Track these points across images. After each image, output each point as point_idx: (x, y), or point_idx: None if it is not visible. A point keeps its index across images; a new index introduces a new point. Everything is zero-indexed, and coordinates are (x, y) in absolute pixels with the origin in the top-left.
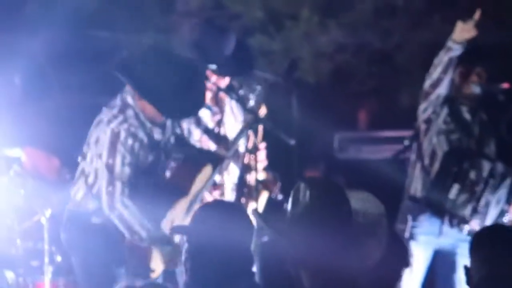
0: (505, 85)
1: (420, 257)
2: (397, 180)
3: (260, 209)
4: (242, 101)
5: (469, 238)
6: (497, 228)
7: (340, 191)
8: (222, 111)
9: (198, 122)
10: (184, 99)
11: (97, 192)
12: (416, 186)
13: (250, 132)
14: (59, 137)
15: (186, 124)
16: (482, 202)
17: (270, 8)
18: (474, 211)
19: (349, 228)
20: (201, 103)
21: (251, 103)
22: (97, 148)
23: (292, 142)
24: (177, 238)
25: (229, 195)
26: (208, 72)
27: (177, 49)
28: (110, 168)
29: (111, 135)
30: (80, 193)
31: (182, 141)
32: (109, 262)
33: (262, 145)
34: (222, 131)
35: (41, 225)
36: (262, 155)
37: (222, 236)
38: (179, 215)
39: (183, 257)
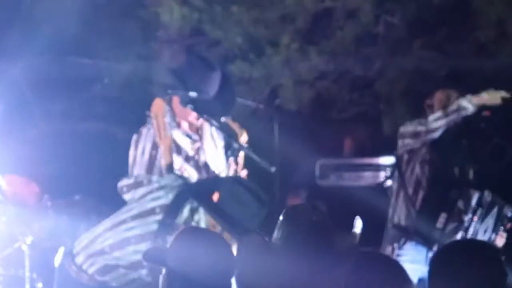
0: (486, 113)
1: None
2: (379, 207)
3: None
4: (223, 128)
5: None
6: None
7: (323, 219)
8: (202, 139)
9: (179, 150)
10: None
11: None
12: (399, 215)
13: (231, 160)
14: (41, 164)
15: None
16: (471, 231)
17: (250, 35)
18: None
19: (329, 254)
20: None
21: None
22: None
23: (273, 169)
24: None
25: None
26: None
27: (157, 76)
28: None
29: None
30: None
31: None
32: None
33: (244, 173)
34: (202, 158)
35: (22, 252)
36: None
37: (200, 262)
38: None
39: (161, 282)
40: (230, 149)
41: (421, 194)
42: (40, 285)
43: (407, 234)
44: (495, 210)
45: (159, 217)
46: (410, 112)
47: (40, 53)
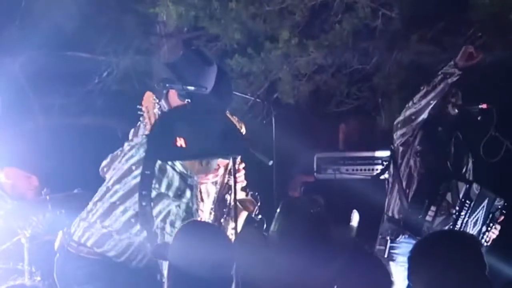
0: (483, 106)
1: (399, 277)
2: (376, 200)
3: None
4: None
5: None
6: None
7: (321, 212)
8: None
9: None
10: None
11: None
12: (393, 207)
13: None
14: (40, 157)
15: None
16: (459, 223)
17: (249, 30)
18: None
19: (326, 247)
20: None
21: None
22: None
23: (271, 162)
24: None
25: (208, 215)
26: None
27: (156, 70)
28: None
29: None
30: None
31: None
32: None
33: (242, 166)
34: None
35: (21, 245)
36: (241, 175)
37: (202, 257)
38: None
39: (166, 277)
40: None
41: (413, 187)
42: (38, 278)
43: (399, 227)
44: (485, 202)
45: (137, 172)
46: None
47: (39, 47)
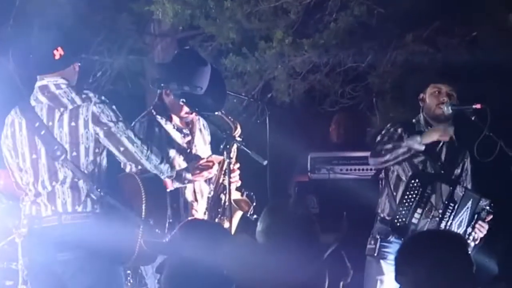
0: (477, 106)
1: (390, 275)
2: (370, 200)
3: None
4: (217, 122)
5: None
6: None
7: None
8: (192, 133)
9: (171, 144)
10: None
11: None
12: (384, 208)
13: (225, 153)
14: None
15: None
16: (442, 226)
17: (244, 29)
18: None
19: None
20: None
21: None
22: None
23: (265, 162)
24: None
25: (202, 215)
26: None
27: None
28: None
29: None
30: None
31: None
32: None
33: (236, 166)
34: (194, 151)
35: (15, 244)
36: (236, 175)
37: (203, 254)
38: None
39: (164, 273)
40: (223, 142)
41: (401, 189)
42: None
43: (389, 228)
44: (469, 204)
45: None
46: (402, 105)
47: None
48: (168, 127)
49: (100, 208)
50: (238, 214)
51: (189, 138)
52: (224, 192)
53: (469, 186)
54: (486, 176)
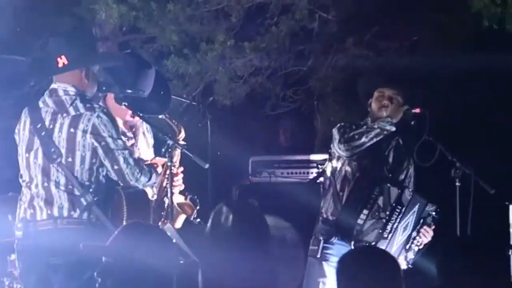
0: (417, 110)
1: (332, 278)
2: (311, 203)
3: (177, 232)
4: (159, 126)
5: None
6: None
7: (259, 214)
8: (136, 136)
9: None
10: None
11: None
12: (327, 209)
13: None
14: None
15: None
16: (388, 228)
17: (186, 31)
18: (380, 236)
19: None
20: None
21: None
22: None
23: (207, 165)
24: None
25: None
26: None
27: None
28: None
29: None
30: None
31: None
32: None
33: (180, 169)
34: (137, 154)
35: None
36: (179, 178)
37: (142, 257)
38: None
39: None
40: (165, 146)
41: (347, 190)
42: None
43: (333, 229)
44: (415, 208)
45: None
46: (344, 109)
47: None
48: None
49: (96, 217)
50: (182, 218)
51: (132, 141)
52: (167, 195)
53: None
54: (426, 180)
